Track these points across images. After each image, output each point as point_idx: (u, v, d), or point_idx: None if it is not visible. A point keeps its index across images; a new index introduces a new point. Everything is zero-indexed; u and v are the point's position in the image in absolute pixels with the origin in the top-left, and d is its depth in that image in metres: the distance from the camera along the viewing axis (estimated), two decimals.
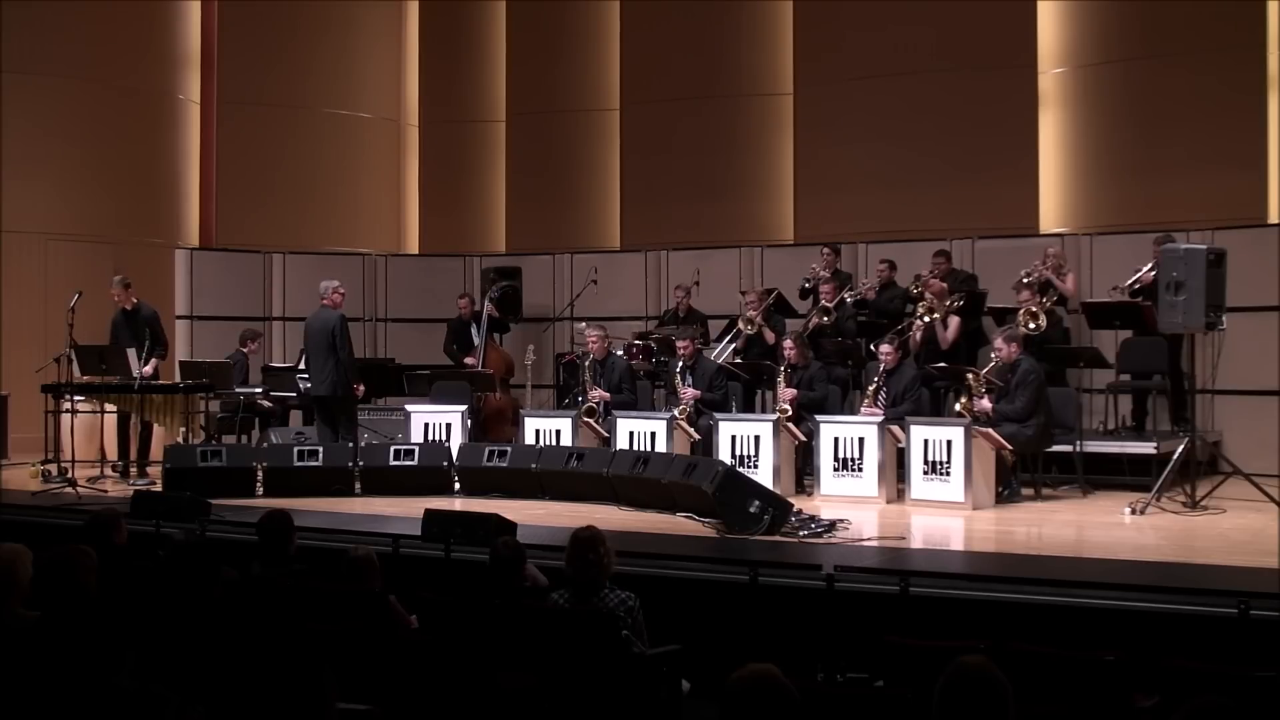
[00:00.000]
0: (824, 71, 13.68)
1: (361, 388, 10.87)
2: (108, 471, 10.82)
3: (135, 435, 10.94)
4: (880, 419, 9.49)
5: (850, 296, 11.51)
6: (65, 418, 10.43)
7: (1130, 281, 10.45)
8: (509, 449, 10.04)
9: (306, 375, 11.14)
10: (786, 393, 10.11)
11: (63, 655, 3.30)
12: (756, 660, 3.20)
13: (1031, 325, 10.06)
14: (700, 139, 14.42)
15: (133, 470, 10.71)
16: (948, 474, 8.88)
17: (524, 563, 5.69)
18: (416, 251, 16.10)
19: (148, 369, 10.59)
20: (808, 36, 13.91)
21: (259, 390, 11.95)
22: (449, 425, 10.83)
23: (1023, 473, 9.43)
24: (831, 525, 7.92)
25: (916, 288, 10.89)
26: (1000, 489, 9.12)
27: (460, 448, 10.29)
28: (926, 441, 9.00)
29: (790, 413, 9.91)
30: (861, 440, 9.36)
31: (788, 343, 10.41)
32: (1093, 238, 11.96)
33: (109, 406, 10.88)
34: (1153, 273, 10.12)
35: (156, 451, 10.72)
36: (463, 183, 16.10)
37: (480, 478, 9.88)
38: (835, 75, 13.55)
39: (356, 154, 15.73)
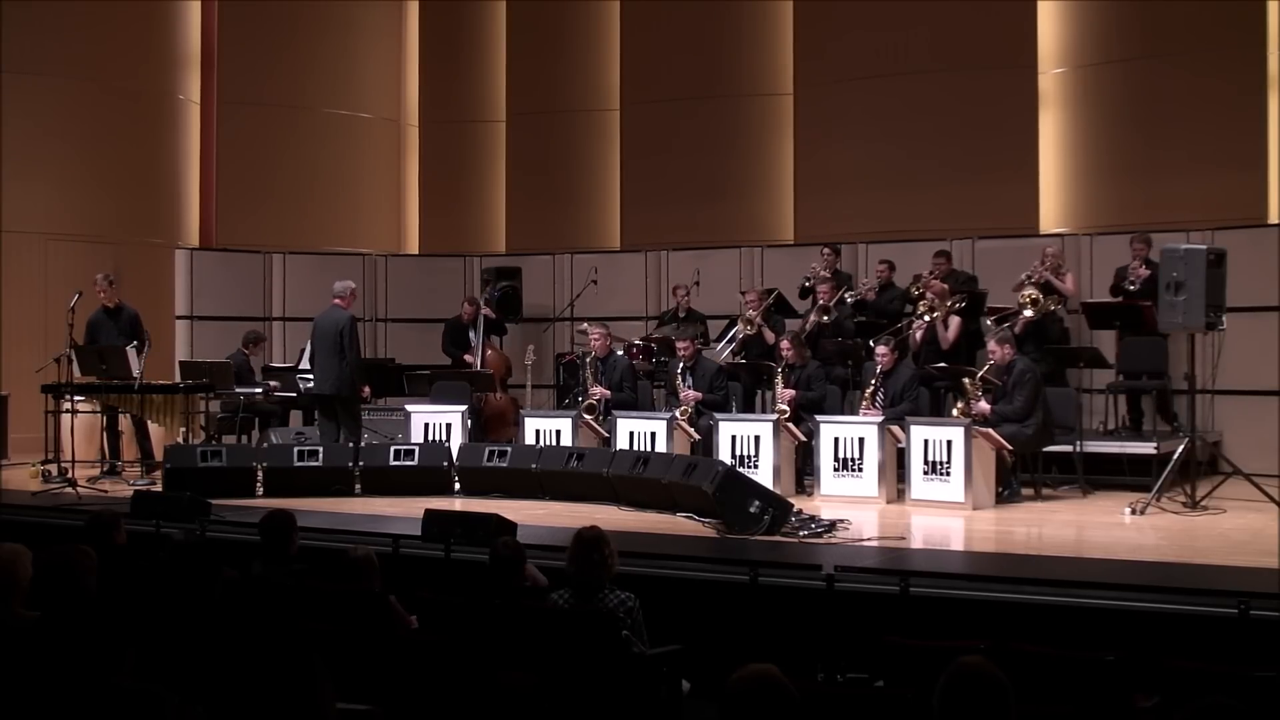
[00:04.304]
0: (824, 71, 13.67)
1: (368, 390, 10.92)
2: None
3: (131, 436, 10.96)
4: (879, 420, 9.49)
5: (850, 297, 11.51)
6: (65, 418, 10.43)
7: (1128, 281, 10.55)
8: (509, 449, 10.04)
9: (309, 374, 11.16)
10: (785, 393, 10.11)
11: (63, 655, 3.30)
12: (756, 660, 3.20)
13: (1028, 313, 10.10)
14: (700, 139, 14.42)
15: (125, 469, 10.71)
16: (948, 474, 8.88)
17: (524, 563, 5.70)
18: (416, 251, 16.10)
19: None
20: (808, 36, 13.90)
21: (259, 391, 11.94)
22: (449, 425, 10.83)
23: (1023, 473, 9.43)
24: (831, 525, 7.92)
25: (917, 289, 10.89)
26: (1000, 489, 9.12)
27: (460, 448, 10.29)
28: (926, 441, 9.00)
29: (789, 413, 9.92)
30: (861, 440, 9.36)
31: (784, 343, 10.41)
32: (1093, 238, 11.96)
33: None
34: (1147, 270, 10.28)
35: (156, 451, 10.72)
36: (463, 183, 16.10)
37: (480, 478, 9.88)
38: (835, 75, 13.55)
39: (356, 154, 15.73)
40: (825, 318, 11.23)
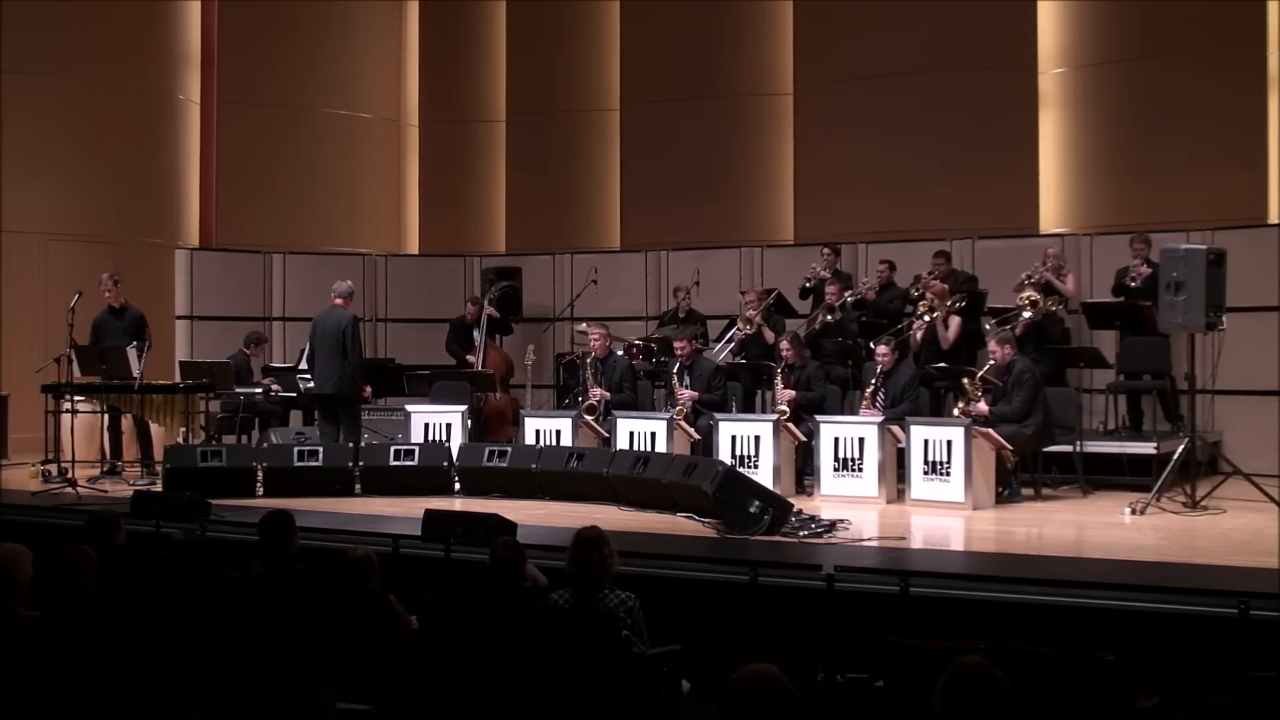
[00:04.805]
0: (824, 71, 13.67)
1: (369, 389, 10.93)
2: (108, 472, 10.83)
3: (133, 436, 10.95)
4: (880, 420, 9.49)
5: (850, 297, 11.51)
6: (65, 418, 10.43)
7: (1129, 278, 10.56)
8: (509, 449, 10.04)
9: (308, 374, 11.16)
10: (785, 394, 10.11)
11: (63, 655, 3.30)
12: (756, 660, 3.20)
13: (1028, 314, 10.11)
14: (700, 139, 14.42)
15: (124, 469, 10.72)
16: (948, 474, 8.88)
17: (524, 563, 5.70)
18: (416, 251, 16.11)
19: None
20: (808, 36, 13.91)
21: (259, 391, 11.93)
22: (449, 425, 10.83)
23: (1023, 473, 9.43)
24: (831, 525, 7.91)
25: (916, 289, 10.89)
26: (1000, 489, 9.12)
27: (460, 448, 10.29)
28: (926, 441, 9.00)
29: (789, 413, 9.92)
30: (861, 440, 9.36)
31: (784, 343, 10.41)
32: (1093, 238, 11.96)
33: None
34: (1149, 269, 10.29)
35: (157, 452, 10.72)
36: (463, 183, 16.10)
37: (480, 478, 9.88)
38: (835, 75, 13.55)
39: (356, 154, 15.73)
40: (830, 316, 11.22)
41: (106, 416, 11.02)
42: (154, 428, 10.89)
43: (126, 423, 11.00)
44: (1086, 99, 12.69)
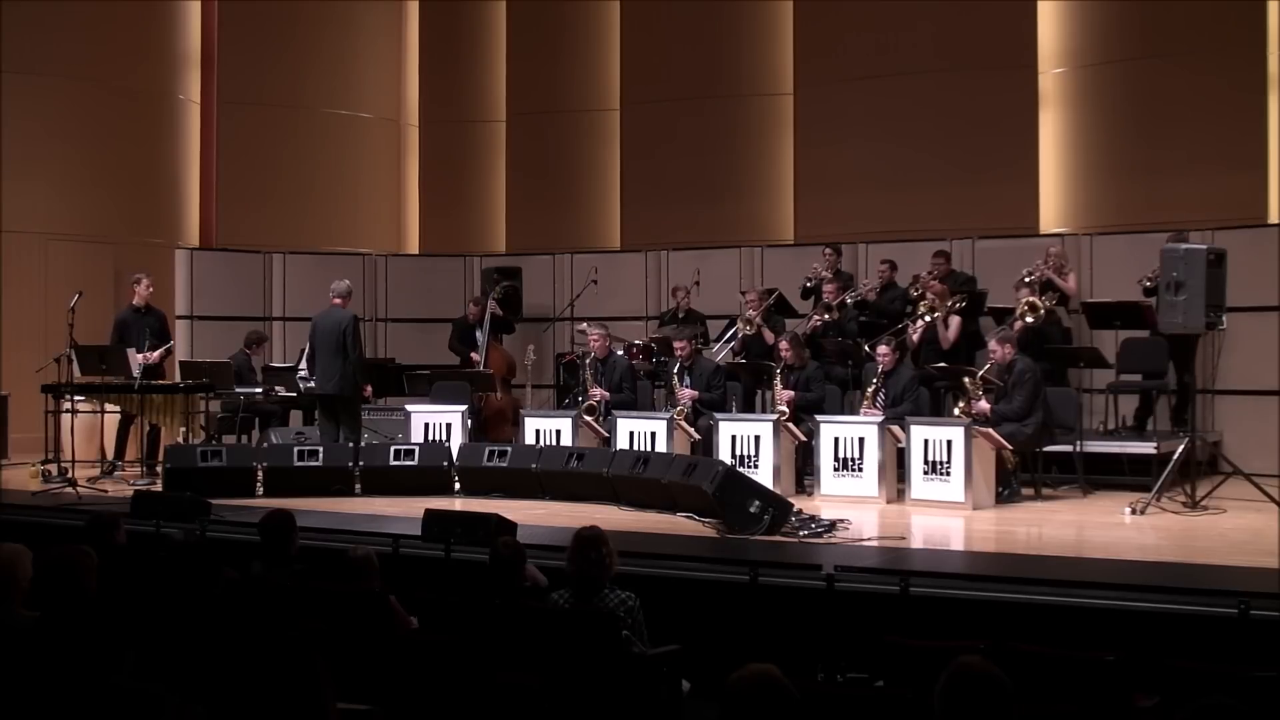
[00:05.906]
0: (824, 71, 13.68)
1: (370, 389, 10.94)
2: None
3: (139, 436, 10.95)
4: (880, 420, 9.49)
5: (851, 298, 11.50)
6: (65, 418, 10.43)
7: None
8: (509, 449, 10.04)
9: (306, 374, 11.15)
10: (784, 394, 10.11)
11: (62, 655, 3.30)
12: (756, 660, 3.20)
13: (1030, 318, 10.08)
14: (700, 139, 14.42)
15: (124, 469, 10.72)
16: (948, 474, 8.88)
17: (524, 563, 5.70)
18: (416, 251, 16.11)
19: (154, 355, 10.61)
20: (808, 36, 13.91)
21: (259, 391, 11.93)
22: (449, 425, 10.83)
23: (1023, 473, 9.42)
24: (831, 525, 7.92)
25: (916, 289, 10.89)
26: (1000, 489, 9.12)
27: (460, 448, 10.29)
28: (927, 441, 9.00)
29: (788, 414, 9.92)
30: (862, 440, 9.36)
31: (783, 344, 10.41)
32: (1093, 238, 11.96)
33: (109, 406, 10.90)
34: None
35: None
36: (463, 183, 16.10)
37: (480, 478, 9.88)
38: (835, 75, 13.55)
39: (356, 154, 15.73)
40: (828, 315, 11.22)
41: (119, 418, 11.01)
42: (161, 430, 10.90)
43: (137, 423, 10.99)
44: (1086, 99, 12.69)
